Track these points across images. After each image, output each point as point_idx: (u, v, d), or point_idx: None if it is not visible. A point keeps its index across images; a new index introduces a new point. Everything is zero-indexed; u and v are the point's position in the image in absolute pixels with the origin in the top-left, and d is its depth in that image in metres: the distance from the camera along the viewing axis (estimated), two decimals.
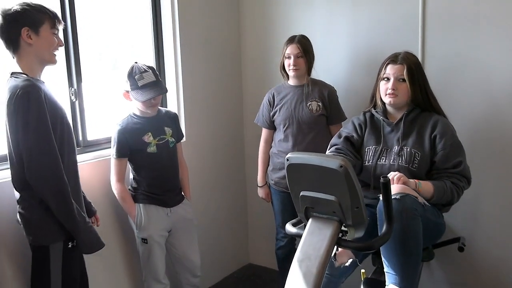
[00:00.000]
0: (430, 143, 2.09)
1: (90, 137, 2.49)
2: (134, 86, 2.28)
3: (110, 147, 2.41)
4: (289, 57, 2.60)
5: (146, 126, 2.37)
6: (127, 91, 2.32)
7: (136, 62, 2.33)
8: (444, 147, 2.06)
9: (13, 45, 1.81)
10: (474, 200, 2.47)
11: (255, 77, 3.27)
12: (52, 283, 1.87)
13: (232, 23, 3.22)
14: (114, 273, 2.58)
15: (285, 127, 2.67)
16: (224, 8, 3.15)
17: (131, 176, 2.46)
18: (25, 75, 1.80)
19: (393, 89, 2.11)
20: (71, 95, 2.38)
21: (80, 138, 2.43)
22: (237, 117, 3.33)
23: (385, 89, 2.15)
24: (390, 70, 2.14)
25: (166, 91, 2.43)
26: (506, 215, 2.46)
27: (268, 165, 2.84)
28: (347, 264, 2.04)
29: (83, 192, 2.08)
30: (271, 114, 2.73)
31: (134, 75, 2.28)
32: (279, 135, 2.72)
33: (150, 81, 2.29)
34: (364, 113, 2.30)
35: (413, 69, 2.10)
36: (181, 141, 2.58)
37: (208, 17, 3.02)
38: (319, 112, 2.61)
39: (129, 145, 2.34)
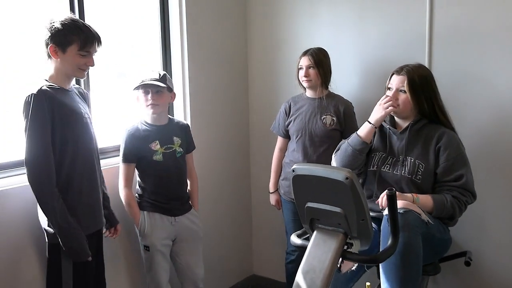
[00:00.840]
0: (435, 154, 2.09)
1: (100, 144, 2.47)
2: (137, 84, 2.34)
3: (117, 155, 2.45)
4: (301, 68, 2.64)
5: (154, 134, 2.39)
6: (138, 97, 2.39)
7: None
8: (447, 159, 2.05)
9: (46, 54, 1.94)
10: (481, 213, 2.45)
11: (262, 87, 3.29)
12: (63, 282, 1.94)
13: (240, 34, 3.24)
14: (119, 280, 2.58)
15: (297, 138, 2.68)
16: (232, 21, 3.17)
17: (137, 183, 2.48)
18: (46, 81, 1.93)
19: (393, 99, 2.15)
20: None
21: None
22: (243, 127, 3.34)
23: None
24: (393, 81, 2.18)
25: (163, 86, 2.34)
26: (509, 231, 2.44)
27: (281, 173, 2.85)
28: (353, 268, 2.02)
29: (106, 200, 2.18)
30: (286, 123, 2.75)
31: (142, 76, 2.36)
32: (292, 145, 2.74)
33: (152, 77, 2.34)
34: None
35: (415, 81, 2.11)
36: (192, 152, 2.61)
37: (215, 29, 3.04)
38: (332, 127, 2.62)
39: (136, 151, 2.36)
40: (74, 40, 1.90)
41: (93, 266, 2.07)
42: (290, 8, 3.07)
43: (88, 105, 2.17)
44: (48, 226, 1.93)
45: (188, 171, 2.57)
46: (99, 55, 2.05)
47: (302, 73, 2.62)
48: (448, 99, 2.28)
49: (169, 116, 2.53)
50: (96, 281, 2.12)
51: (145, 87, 2.34)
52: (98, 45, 1.98)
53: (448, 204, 2.00)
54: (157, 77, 2.35)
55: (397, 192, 1.90)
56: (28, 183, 1.86)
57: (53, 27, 1.89)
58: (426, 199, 2.00)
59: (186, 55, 2.85)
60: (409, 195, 1.99)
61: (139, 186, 2.46)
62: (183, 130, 2.53)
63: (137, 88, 2.34)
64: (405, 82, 2.11)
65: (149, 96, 2.34)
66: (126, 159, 2.37)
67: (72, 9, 2.32)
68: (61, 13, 1.96)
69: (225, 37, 3.12)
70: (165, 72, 2.44)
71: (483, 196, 2.14)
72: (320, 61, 2.60)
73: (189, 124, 2.83)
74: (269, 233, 3.38)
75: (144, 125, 2.41)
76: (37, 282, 2.11)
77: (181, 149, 2.47)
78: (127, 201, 2.38)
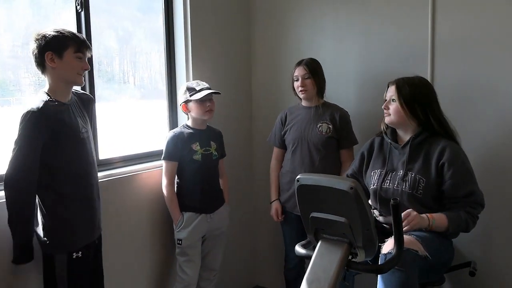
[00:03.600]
0: (437, 170, 2.07)
1: (102, 156, 2.52)
2: (193, 91, 2.54)
3: (123, 166, 2.60)
4: (297, 79, 2.66)
5: (195, 136, 2.61)
6: (185, 102, 2.57)
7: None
8: (453, 175, 2.04)
9: (41, 67, 1.95)
10: (487, 224, 2.44)
11: (265, 97, 3.31)
12: (57, 277, 1.96)
13: (244, 45, 3.27)
14: (147, 272, 2.68)
15: (294, 147, 2.70)
16: (236, 31, 3.21)
17: (175, 183, 2.63)
18: (46, 95, 1.93)
19: (385, 109, 2.19)
20: None
21: None
22: (246, 136, 3.36)
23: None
24: (387, 92, 2.21)
25: (220, 92, 2.62)
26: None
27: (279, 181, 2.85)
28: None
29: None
30: (282, 133, 2.77)
31: (191, 85, 2.57)
32: (288, 154, 2.75)
33: (206, 86, 2.58)
34: (376, 136, 2.34)
35: (405, 89, 2.12)
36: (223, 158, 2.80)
37: (219, 40, 3.07)
38: (328, 134, 2.62)
39: (178, 150, 2.56)
40: (69, 44, 1.93)
41: (88, 274, 2.09)
42: (294, 20, 3.10)
43: (91, 113, 2.18)
44: (38, 237, 1.96)
45: (221, 173, 2.78)
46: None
47: (298, 83, 2.65)
48: (452, 110, 2.29)
49: (208, 124, 2.71)
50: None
51: (208, 96, 2.54)
52: (89, 49, 2.02)
53: (463, 221, 2.01)
54: (207, 86, 2.59)
55: (415, 213, 1.94)
56: None
57: (46, 35, 1.90)
58: (441, 220, 2.00)
59: (191, 64, 2.87)
60: (425, 218, 1.97)
61: (178, 186, 2.62)
62: (218, 136, 2.75)
63: (204, 96, 2.52)
64: (394, 90, 2.14)
65: (207, 103, 2.57)
66: (170, 157, 2.57)
67: (78, 19, 2.37)
68: (46, 27, 1.99)
69: (229, 48, 3.15)
70: None
71: (489, 207, 2.13)
72: (315, 70, 2.63)
73: None
74: (272, 243, 3.37)
75: (187, 128, 2.63)
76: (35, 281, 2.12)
77: (216, 153, 2.67)
78: (169, 197, 2.57)
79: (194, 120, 2.63)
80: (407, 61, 2.64)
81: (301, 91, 2.65)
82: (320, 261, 1.70)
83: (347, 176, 2.39)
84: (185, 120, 2.75)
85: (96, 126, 2.33)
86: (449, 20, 2.52)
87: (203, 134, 2.65)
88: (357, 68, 2.87)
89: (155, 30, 2.93)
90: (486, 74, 2.44)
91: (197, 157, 2.58)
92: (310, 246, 1.87)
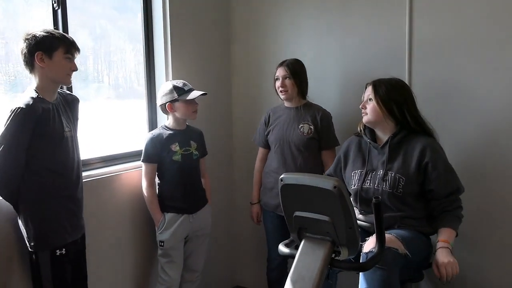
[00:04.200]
0: (419, 169, 2.12)
1: (82, 156, 2.45)
2: (181, 91, 2.52)
3: (102, 167, 2.58)
4: (277, 79, 2.67)
5: (175, 136, 2.59)
6: (171, 102, 2.54)
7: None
8: (440, 175, 2.10)
9: (29, 67, 1.97)
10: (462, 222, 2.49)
11: (245, 97, 3.31)
12: (42, 276, 1.99)
13: (223, 45, 3.27)
14: (130, 273, 2.68)
15: (276, 147, 2.70)
16: (215, 31, 3.19)
17: (156, 185, 2.63)
18: (35, 92, 1.95)
19: (362, 108, 2.23)
20: None
21: None
22: (227, 136, 3.35)
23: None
24: (365, 92, 2.26)
25: (207, 93, 2.63)
26: (489, 235, 2.51)
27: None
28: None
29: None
30: (266, 133, 2.78)
31: (178, 85, 2.55)
32: (271, 154, 2.77)
33: (191, 87, 2.58)
34: (354, 136, 2.37)
35: (381, 88, 2.17)
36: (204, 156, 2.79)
37: (199, 40, 3.05)
38: (310, 135, 2.64)
39: (158, 152, 2.55)
40: (59, 44, 1.96)
41: (71, 270, 2.10)
42: (273, 18, 3.11)
43: (75, 114, 2.19)
44: (25, 226, 1.98)
45: (202, 172, 2.77)
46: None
47: (278, 83, 2.66)
48: (429, 109, 2.34)
49: (187, 123, 2.69)
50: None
51: (195, 97, 2.54)
52: (78, 51, 2.05)
53: (460, 219, 2.12)
54: (192, 87, 2.58)
55: (446, 260, 1.95)
56: None
57: (36, 36, 1.92)
58: (451, 235, 2.06)
59: (170, 65, 2.85)
60: (449, 248, 2.01)
61: (159, 187, 2.62)
62: (199, 136, 2.73)
63: (191, 97, 2.52)
64: (371, 89, 2.19)
65: (194, 104, 2.59)
66: (149, 159, 2.56)
67: (55, 17, 2.33)
68: (35, 26, 2.01)
69: (208, 48, 3.14)
70: None
71: (465, 204, 2.18)
72: (296, 71, 2.64)
73: None
74: (253, 243, 3.37)
75: (165, 129, 2.61)
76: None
77: (197, 152, 2.66)
78: (150, 199, 2.57)
79: (176, 120, 2.61)
80: (385, 61, 2.68)
81: (281, 91, 2.66)
82: (303, 260, 1.71)
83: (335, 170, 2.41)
84: (165, 121, 2.72)
85: (77, 124, 2.29)
86: (426, 21, 2.56)
87: (183, 134, 2.63)
88: (337, 68, 2.90)
89: (130, 29, 2.89)
90: (462, 73, 2.49)
91: (177, 157, 2.57)
92: (293, 245, 1.88)
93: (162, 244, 2.56)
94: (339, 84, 2.90)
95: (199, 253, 2.74)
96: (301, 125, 2.65)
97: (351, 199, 2.24)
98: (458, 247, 2.29)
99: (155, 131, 2.62)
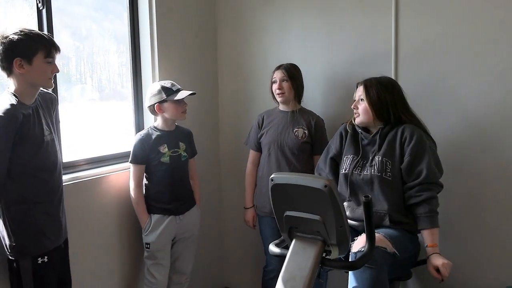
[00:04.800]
0: (401, 150, 2.15)
1: (67, 158, 2.44)
2: (169, 92, 2.51)
3: (87, 169, 2.54)
4: (275, 82, 2.68)
5: (163, 137, 2.57)
6: (159, 103, 2.52)
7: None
8: (410, 153, 2.12)
9: (7, 71, 1.86)
10: (447, 215, 2.51)
11: (231, 99, 3.30)
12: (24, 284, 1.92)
13: (210, 48, 3.26)
14: (117, 275, 2.64)
15: (269, 150, 2.70)
16: (202, 34, 3.18)
17: (144, 185, 2.61)
18: (14, 97, 1.86)
19: (354, 108, 2.25)
20: None
21: None
22: (214, 138, 3.34)
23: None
24: (356, 92, 2.28)
25: (195, 93, 2.62)
26: (475, 233, 2.54)
27: (255, 186, 2.85)
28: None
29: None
30: (259, 136, 2.77)
31: (166, 85, 2.53)
32: (264, 158, 2.76)
33: (179, 87, 2.56)
34: (348, 124, 2.38)
35: (371, 88, 2.20)
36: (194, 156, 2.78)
37: (186, 42, 3.04)
38: (304, 139, 2.66)
39: (146, 153, 2.53)
40: (39, 48, 1.85)
41: (54, 278, 2.04)
42: (260, 20, 3.11)
43: (55, 113, 2.11)
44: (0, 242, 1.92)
45: (192, 173, 2.75)
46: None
47: (275, 86, 2.67)
48: (414, 109, 2.36)
49: (176, 123, 2.67)
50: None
51: (183, 97, 2.52)
52: (58, 51, 1.94)
53: (435, 211, 2.10)
54: (180, 87, 2.57)
55: (440, 262, 1.98)
56: None
57: (13, 39, 1.80)
58: (435, 234, 2.08)
59: (157, 67, 2.83)
60: (437, 251, 2.04)
61: (146, 189, 2.60)
62: (187, 136, 2.71)
63: (179, 97, 2.50)
64: (363, 90, 2.21)
65: (183, 104, 2.57)
66: (137, 161, 2.54)
67: (40, 17, 2.28)
68: (9, 26, 1.88)
69: (195, 50, 3.13)
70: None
71: (447, 201, 2.22)
72: (293, 74, 2.66)
73: None
74: (241, 244, 3.37)
75: (154, 130, 2.59)
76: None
77: (185, 154, 2.64)
78: (136, 200, 2.54)
79: (165, 121, 2.59)
80: (371, 63, 2.70)
81: (278, 94, 2.66)
82: (295, 259, 1.71)
83: (330, 157, 2.40)
84: (151, 122, 2.70)
85: (59, 126, 2.23)
86: (412, 23, 2.59)
87: (171, 135, 2.61)
88: (323, 70, 2.90)
89: (115, 30, 2.86)
90: (445, 75, 2.53)
91: (165, 159, 2.55)
92: (284, 245, 1.88)
93: (148, 246, 2.54)
94: (325, 85, 2.91)
95: (187, 255, 2.72)
96: (296, 129, 2.67)
97: (341, 185, 2.26)
98: (444, 244, 2.33)
99: (144, 132, 2.60)
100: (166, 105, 2.53)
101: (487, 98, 2.45)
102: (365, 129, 2.30)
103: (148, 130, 2.60)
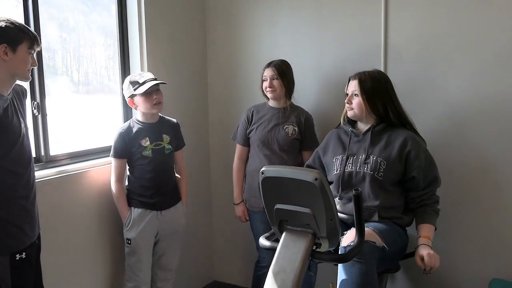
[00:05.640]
0: (401, 157, 2.16)
1: (53, 152, 2.41)
2: (136, 85, 2.43)
3: (73, 163, 2.51)
4: (265, 79, 2.68)
5: (145, 131, 2.50)
6: (130, 96, 2.46)
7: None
8: (420, 163, 2.15)
9: None
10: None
11: (220, 93, 3.29)
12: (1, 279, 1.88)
13: (199, 41, 3.23)
14: (100, 272, 2.60)
15: (259, 147, 2.70)
16: (191, 27, 3.16)
17: (126, 179, 2.56)
18: None
19: (348, 103, 2.24)
20: (33, 108, 2.30)
21: (42, 153, 2.36)
22: (203, 132, 3.33)
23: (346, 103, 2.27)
24: (349, 86, 2.27)
25: (166, 82, 2.56)
26: (461, 226, 2.58)
27: (243, 181, 2.84)
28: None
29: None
30: (248, 131, 2.76)
31: (134, 78, 2.46)
32: (254, 154, 2.75)
33: (150, 77, 2.46)
34: (334, 129, 2.41)
35: (367, 84, 2.19)
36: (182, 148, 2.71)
37: (174, 40, 3.02)
38: (294, 136, 2.67)
39: (127, 147, 2.47)
40: (24, 38, 1.83)
41: (31, 274, 1.99)
42: (250, 16, 3.09)
43: (24, 106, 2.06)
44: None
45: (178, 167, 2.68)
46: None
47: (266, 84, 2.67)
48: (403, 104, 2.38)
49: (160, 114, 2.60)
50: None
51: (154, 87, 2.43)
52: (39, 44, 1.93)
53: (436, 213, 2.18)
54: (152, 77, 2.48)
55: (426, 252, 2.01)
56: None
57: (0, 26, 1.79)
58: (431, 230, 2.14)
59: (145, 60, 2.81)
60: (429, 243, 2.07)
61: (128, 182, 2.55)
62: (173, 128, 2.63)
63: (148, 88, 2.40)
64: (357, 85, 2.20)
65: (154, 96, 2.46)
66: (117, 155, 2.48)
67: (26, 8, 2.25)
68: None
69: (184, 43, 3.10)
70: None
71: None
72: (283, 72, 2.66)
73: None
74: (229, 238, 3.37)
75: (136, 123, 2.52)
76: None
77: (170, 146, 2.57)
78: (117, 195, 2.49)
79: (142, 114, 2.52)
80: (361, 59, 2.70)
81: (269, 91, 2.66)
82: (285, 252, 1.72)
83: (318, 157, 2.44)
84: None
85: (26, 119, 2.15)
86: (401, 17, 2.61)
87: (154, 127, 2.54)
88: (312, 65, 2.90)
89: (101, 23, 2.83)
90: (436, 69, 2.55)
91: (147, 153, 2.48)
92: (274, 238, 1.88)
93: (129, 242, 2.49)
94: (315, 81, 2.91)
95: (172, 252, 2.66)
96: (286, 126, 2.67)
97: (333, 185, 2.27)
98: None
99: (125, 125, 2.53)
100: (136, 99, 2.46)
101: (475, 93, 2.47)
102: (353, 124, 2.30)
103: (129, 123, 2.54)
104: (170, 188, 2.60)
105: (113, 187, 2.49)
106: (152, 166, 2.49)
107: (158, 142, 2.52)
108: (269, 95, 2.69)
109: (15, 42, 1.81)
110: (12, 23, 1.83)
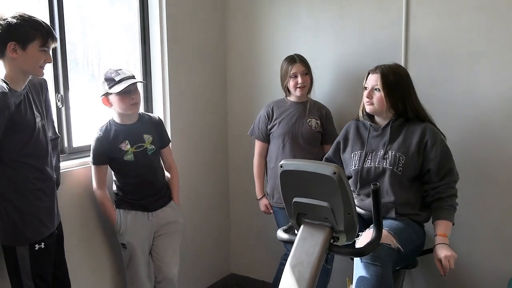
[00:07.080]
0: (419, 149, 2.14)
1: (76, 143, 2.46)
2: (112, 82, 2.25)
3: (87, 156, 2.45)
4: (295, 76, 2.64)
5: (123, 134, 2.35)
6: (105, 95, 2.29)
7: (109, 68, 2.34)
8: (436, 155, 2.12)
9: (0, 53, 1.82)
10: (458, 209, 2.52)
11: (240, 90, 3.30)
12: (24, 284, 1.93)
13: (219, 38, 3.25)
14: (100, 277, 2.59)
15: (283, 142, 2.69)
16: (211, 24, 3.18)
17: (113, 181, 2.47)
18: (5, 84, 1.81)
19: (368, 98, 2.21)
20: (57, 101, 2.35)
21: (66, 145, 2.41)
22: (222, 129, 3.35)
23: (364, 97, 2.24)
24: (368, 80, 2.23)
25: (144, 81, 2.41)
26: (483, 223, 2.55)
27: (264, 176, 2.84)
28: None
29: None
30: (269, 127, 2.75)
31: (110, 74, 2.28)
32: (275, 149, 2.73)
33: (127, 75, 2.28)
34: (353, 120, 2.39)
35: (389, 79, 2.16)
36: (169, 145, 2.58)
37: (195, 32, 3.04)
38: (317, 129, 2.68)
39: (107, 153, 2.33)
40: (36, 35, 1.81)
41: (51, 264, 2.04)
42: (269, 11, 3.09)
43: (45, 97, 2.07)
44: None
45: (167, 164, 2.56)
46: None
47: (297, 80, 2.63)
48: (422, 99, 2.35)
49: (140, 112, 2.46)
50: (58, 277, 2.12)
51: (130, 87, 2.26)
52: (55, 40, 1.92)
53: (454, 208, 2.14)
54: (130, 74, 2.31)
55: (443, 254, 1.98)
56: None
57: (11, 23, 1.77)
58: (448, 227, 2.10)
59: (166, 57, 2.84)
60: (447, 242, 2.04)
61: (115, 185, 2.44)
62: (155, 125, 2.48)
63: (124, 88, 2.23)
64: (379, 80, 2.17)
65: (131, 96, 2.29)
66: (97, 161, 2.34)
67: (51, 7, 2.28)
68: (7, 9, 1.84)
69: (204, 39, 3.12)
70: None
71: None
72: (309, 66, 2.67)
73: (169, 124, 2.82)
74: (247, 231, 3.39)
75: (113, 125, 2.36)
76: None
77: (153, 146, 2.42)
78: (100, 201, 2.38)
79: (119, 115, 2.34)
80: (381, 55, 2.64)
81: (300, 87, 2.64)
82: (303, 245, 1.73)
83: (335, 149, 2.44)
84: (160, 109, 2.68)
85: (51, 111, 2.14)
86: (423, 12, 2.58)
87: (133, 129, 2.37)
88: (332, 60, 2.89)
89: (123, 18, 2.86)
90: (458, 65, 2.51)
91: (129, 157, 2.33)
92: (292, 231, 1.90)
93: (125, 246, 2.40)
94: (334, 76, 2.90)
95: (171, 252, 2.51)
96: (309, 119, 2.68)
97: (351, 180, 2.26)
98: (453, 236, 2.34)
99: (102, 128, 2.35)
100: (111, 98, 2.28)
101: (498, 94, 2.43)
102: (372, 118, 2.30)
103: (107, 125, 2.36)
104: (159, 188, 2.47)
105: (96, 193, 2.37)
106: (136, 171, 2.36)
107: (139, 144, 2.37)
108: (298, 92, 2.65)
109: (25, 40, 1.80)
110: (24, 19, 1.80)
